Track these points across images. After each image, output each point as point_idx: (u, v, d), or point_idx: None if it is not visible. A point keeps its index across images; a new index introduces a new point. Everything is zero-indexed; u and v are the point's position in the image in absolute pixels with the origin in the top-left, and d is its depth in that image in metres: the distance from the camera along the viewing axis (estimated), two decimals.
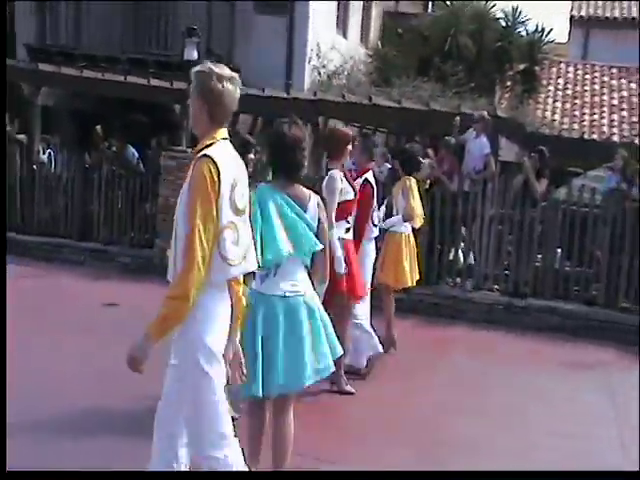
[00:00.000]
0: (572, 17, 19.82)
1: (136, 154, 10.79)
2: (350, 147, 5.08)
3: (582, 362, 6.96)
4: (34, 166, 10.42)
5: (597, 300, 8.24)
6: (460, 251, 8.85)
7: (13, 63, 13.06)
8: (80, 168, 10.18)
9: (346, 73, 14.92)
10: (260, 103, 11.82)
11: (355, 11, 16.65)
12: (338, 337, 3.64)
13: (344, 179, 5.00)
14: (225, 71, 2.83)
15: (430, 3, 21.07)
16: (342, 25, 15.99)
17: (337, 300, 4.75)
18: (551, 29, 15.79)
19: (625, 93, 16.34)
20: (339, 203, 4.90)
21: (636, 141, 10.98)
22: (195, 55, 10.73)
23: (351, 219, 5.10)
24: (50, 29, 14.27)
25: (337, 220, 4.88)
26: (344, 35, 16.07)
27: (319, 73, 14.29)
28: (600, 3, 20.31)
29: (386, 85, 13.91)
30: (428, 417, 5.12)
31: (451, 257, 8.77)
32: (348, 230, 5.09)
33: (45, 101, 12.92)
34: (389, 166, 9.77)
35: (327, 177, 4.97)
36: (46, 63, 12.69)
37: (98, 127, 11.36)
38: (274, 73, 13.15)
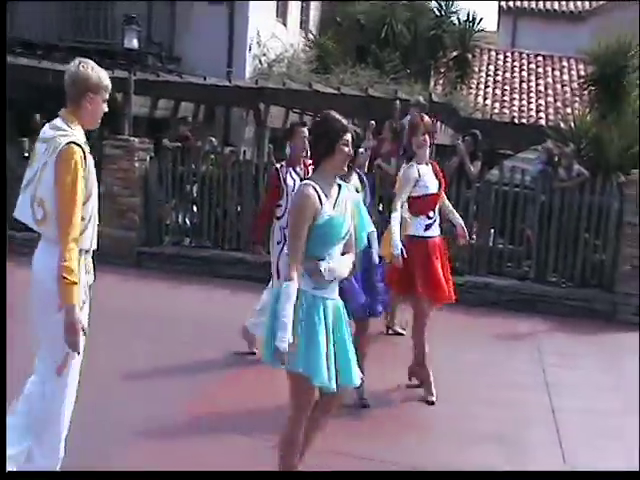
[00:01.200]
0: (501, 7, 20.50)
1: None
2: (428, 138, 5.11)
3: (515, 333, 7.41)
4: None
5: (528, 275, 8.75)
6: None
7: None
8: (19, 157, 10.00)
9: (286, 61, 15.12)
10: (202, 91, 11.95)
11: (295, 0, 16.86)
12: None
13: (428, 172, 5.09)
14: None
15: None
16: (282, 14, 16.16)
17: (415, 303, 5.06)
18: (482, 18, 16.34)
19: (550, 80, 17.08)
20: (417, 197, 5.05)
21: (561, 125, 11.55)
22: (136, 44, 10.76)
23: (433, 214, 5.09)
24: None
25: (415, 215, 5.09)
26: (284, 24, 16.24)
27: (260, 61, 14.45)
28: None
29: (325, 72, 14.18)
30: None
31: None
32: (428, 227, 5.04)
33: None
34: None
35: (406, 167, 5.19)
36: None
37: (37, 115, 11.22)
38: (215, 61, 13.24)
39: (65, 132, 3.01)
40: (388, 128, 9.64)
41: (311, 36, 16.86)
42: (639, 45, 11.87)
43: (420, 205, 5.07)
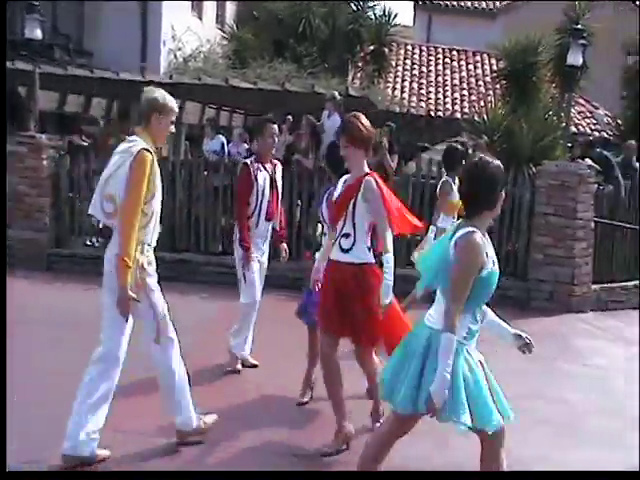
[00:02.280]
0: (416, 3, 20.84)
1: None
2: None
3: None
4: None
5: None
6: (318, 226, 9.18)
7: None
8: None
9: (203, 56, 14.88)
10: (115, 87, 11.58)
11: None
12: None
13: None
14: None
15: None
16: (197, 8, 15.90)
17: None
18: (397, 13, 16.55)
19: (464, 74, 17.49)
20: None
21: (475, 118, 11.82)
22: (39, 34, 10.29)
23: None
24: None
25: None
26: (199, 18, 15.98)
27: (175, 56, 14.17)
28: None
29: (242, 67, 14.04)
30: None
31: (310, 232, 9.10)
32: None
33: None
34: (247, 147, 9.95)
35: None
36: None
37: None
38: (129, 56, 12.89)
39: (138, 142, 3.69)
40: (306, 123, 9.63)
41: (228, 30, 16.67)
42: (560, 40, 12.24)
43: None
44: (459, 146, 7.13)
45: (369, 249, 4.05)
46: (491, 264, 2.99)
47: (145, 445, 4.03)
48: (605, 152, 10.13)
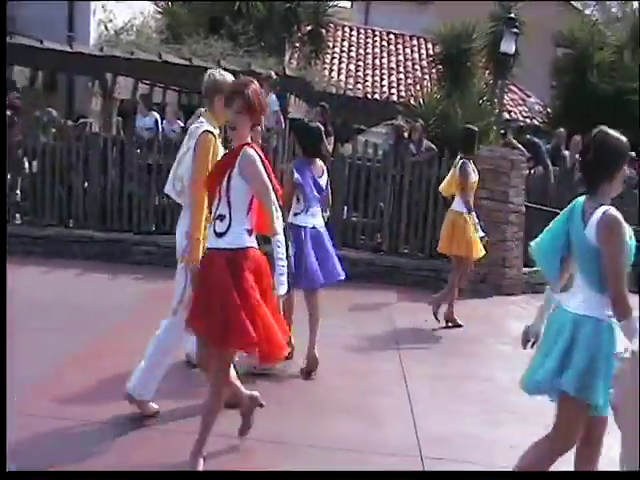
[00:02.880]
0: None
1: None
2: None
3: (369, 304, 7.56)
4: None
5: (381, 247, 8.96)
6: None
7: None
8: None
9: (135, 29, 14.41)
10: (40, 56, 11.06)
11: None
12: None
13: None
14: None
15: None
16: None
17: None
18: None
19: (401, 57, 17.58)
20: None
21: (412, 101, 11.90)
22: None
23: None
24: None
25: None
26: None
27: (106, 27, 13.67)
28: None
29: (177, 42, 13.66)
30: None
31: None
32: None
33: None
34: (181, 124, 9.72)
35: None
36: None
37: None
38: (55, 25, 12.32)
39: (202, 124, 4.02)
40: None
41: (161, 3, 16.18)
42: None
43: None
44: (475, 128, 7.07)
45: (249, 232, 3.42)
46: (628, 237, 2.88)
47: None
48: (535, 139, 10.38)
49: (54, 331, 5.58)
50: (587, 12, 26.94)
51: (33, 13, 12.18)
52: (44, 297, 6.54)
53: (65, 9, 12.99)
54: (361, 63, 17.01)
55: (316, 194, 5.20)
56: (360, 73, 16.52)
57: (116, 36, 13.64)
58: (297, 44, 15.85)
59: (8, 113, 9.11)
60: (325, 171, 5.32)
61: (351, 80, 16.14)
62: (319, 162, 5.30)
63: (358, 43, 18.02)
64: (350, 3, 21.95)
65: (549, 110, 14.22)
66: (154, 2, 16.40)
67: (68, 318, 5.95)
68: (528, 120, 15.39)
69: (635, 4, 35.61)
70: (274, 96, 9.44)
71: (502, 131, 11.10)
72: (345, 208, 9.06)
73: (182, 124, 9.59)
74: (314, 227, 5.19)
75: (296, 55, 15.90)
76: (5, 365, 3.39)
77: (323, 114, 9.49)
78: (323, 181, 5.28)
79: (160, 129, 9.76)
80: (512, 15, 12.24)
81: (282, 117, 9.69)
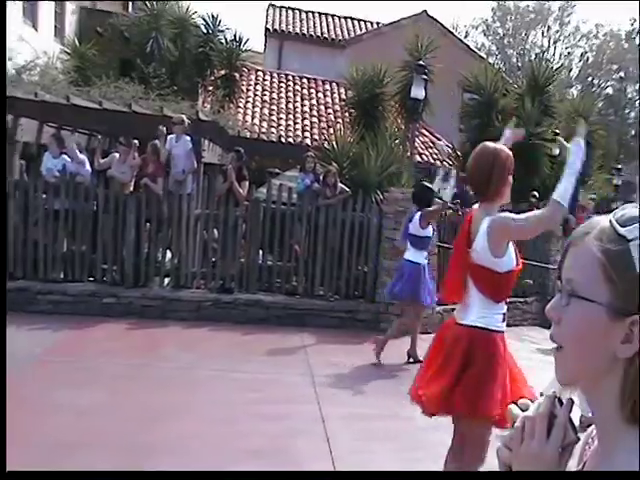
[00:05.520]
0: (267, 29, 21.07)
1: None
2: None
3: (285, 347, 7.47)
4: None
5: (297, 290, 8.91)
6: (167, 251, 8.87)
7: None
8: None
9: (39, 69, 13.98)
10: None
11: (46, 2, 15.74)
12: None
13: None
14: None
15: (130, 3, 20.79)
16: (31, 16, 14.99)
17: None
18: (248, 39, 16.58)
19: (314, 101, 17.86)
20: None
21: (325, 145, 12.04)
22: None
23: None
24: None
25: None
26: (34, 27, 15.08)
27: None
28: (291, 19, 21.97)
29: (85, 85, 13.37)
30: (135, 420, 5.04)
31: (159, 258, 8.76)
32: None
33: None
34: (87, 164, 9.37)
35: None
36: None
37: None
38: None
39: None
40: (151, 149, 9.27)
41: (68, 43, 15.85)
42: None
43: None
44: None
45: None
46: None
47: None
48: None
49: None
50: (490, 61, 28.41)
51: None
52: None
53: None
54: (275, 107, 17.14)
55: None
56: (274, 117, 16.62)
57: (17, 75, 13.16)
58: (210, 88, 15.85)
59: None
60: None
61: (265, 124, 16.22)
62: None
63: (271, 87, 18.19)
64: (263, 47, 22.22)
65: (458, 153, 14.71)
66: (60, 42, 16.10)
67: None
68: (438, 162, 15.89)
69: (532, 55, 37.83)
70: (187, 137, 9.35)
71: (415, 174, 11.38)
72: (260, 252, 9.00)
73: (89, 168, 9.28)
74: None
75: (209, 99, 15.88)
76: (5, 366, 3.18)
77: (238, 159, 9.44)
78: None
79: (67, 172, 9.36)
80: (421, 63, 12.66)
81: (195, 160, 9.58)
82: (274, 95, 17.76)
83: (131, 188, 9.09)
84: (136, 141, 9.38)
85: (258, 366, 6.55)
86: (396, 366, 7.06)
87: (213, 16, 16.55)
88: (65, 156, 9.35)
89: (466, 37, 37.90)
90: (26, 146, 11.99)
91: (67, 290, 8.11)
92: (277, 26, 21.20)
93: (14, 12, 13.99)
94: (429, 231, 7.22)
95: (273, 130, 15.99)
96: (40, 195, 8.51)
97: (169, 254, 8.84)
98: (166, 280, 8.70)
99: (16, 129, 11.07)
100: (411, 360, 7.22)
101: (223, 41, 16.50)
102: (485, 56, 26.13)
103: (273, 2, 23.12)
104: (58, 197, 8.51)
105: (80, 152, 9.50)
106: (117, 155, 9.44)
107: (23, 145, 11.78)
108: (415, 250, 7.08)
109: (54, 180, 8.82)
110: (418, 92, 12.33)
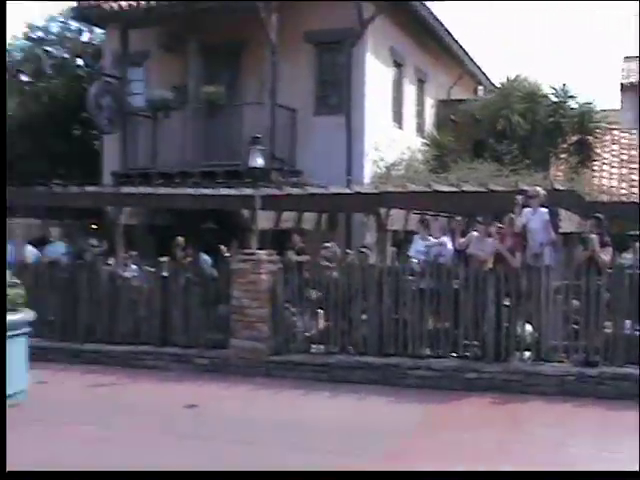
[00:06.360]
0: (622, 85, 20.06)
1: (209, 260, 11.35)
2: None
3: None
4: (118, 281, 10.81)
5: None
6: (527, 325, 8.88)
7: (98, 189, 14.32)
8: (159, 279, 10.50)
9: (404, 164, 15.46)
10: (324, 201, 12.49)
11: (409, 102, 17.46)
12: None
13: None
14: None
15: (480, 87, 21.83)
16: (397, 118, 16.71)
17: None
18: (593, 99, 15.93)
19: None
20: None
21: None
22: (261, 162, 11.46)
23: None
24: (130, 154, 15.36)
25: None
26: (399, 126, 16.77)
27: (378, 166, 14.90)
28: None
29: (443, 170, 14.36)
30: None
31: (519, 332, 8.83)
32: None
33: (130, 220, 14.02)
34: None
35: None
36: (127, 185, 13.88)
37: (179, 239, 12.03)
38: (334, 170, 13.78)
39: None
40: (508, 222, 9.61)
41: (428, 136, 17.24)
42: None
43: None
44: None
45: None
46: None
47: None
48: None
49: (329, 453, 5.95)
50: None
51: (316, 164, 13.94)
52: (330, 420, 7.10)
53: (343, 155, 14.41)
54: (635, 165, 16.06)
55: None
56: (634, 176, 15.58)
57: (387, 172, 14.77)
58: (562, 155, 15.61)
59: (299, 257, 10.40)
60: None
61: (624, 185, 15.30)
62: None
63: (630, 145, 17.11)
64: (620, 103, 21.09)
65: None
66: (421, 136, 17.60)
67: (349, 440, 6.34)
68: None
69: None
70: (543, 209, 9.42)
71: None
72: (627, 322, 8.49)
73: (451, 247, 9.89)
74: None
75: (562, 167, 15.64)
76: (5, 367, 3.58)
77: (598, 225, 9.18)
78: None
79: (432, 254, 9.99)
80: None
81: (553, 232, 9.57)
82: (633, 152, 16.68)
83: (490, 264, 9.42)
84: (494, 219, 9.80)
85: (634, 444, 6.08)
86: None
87: (563, 84, 16.44)
88: (431, 238, 10.13)
89: None
90: (395, 234, 13.31)
91: (432, 365, 8.67)
92: (633, 78, 20.05)
93: (385, 118, 15.76)
94: None
95: (634, 190, 14.99)
96: (407, 277, 9.30)
97: (529, 327, 8.87)
98: (527, 354, 8.72)
99: (387, 219, 12.41)
100: None
101: (575, 106, 16.20)
102: None
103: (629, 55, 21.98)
104: (423, 277, 9.23)
105: (444, 234, 10.26)
106: (475, 233, 9.95)
107: (393, 233, 13.12)
108: None
109: (420, 261, 9.56)
110: None
